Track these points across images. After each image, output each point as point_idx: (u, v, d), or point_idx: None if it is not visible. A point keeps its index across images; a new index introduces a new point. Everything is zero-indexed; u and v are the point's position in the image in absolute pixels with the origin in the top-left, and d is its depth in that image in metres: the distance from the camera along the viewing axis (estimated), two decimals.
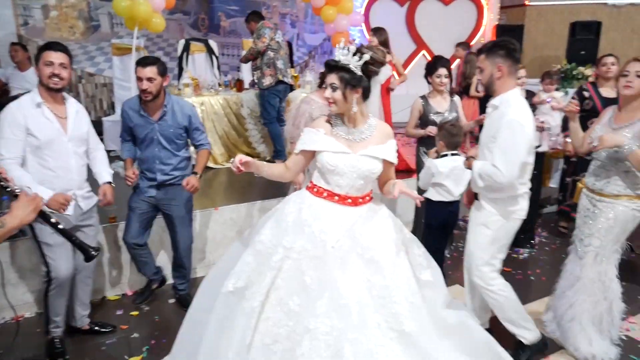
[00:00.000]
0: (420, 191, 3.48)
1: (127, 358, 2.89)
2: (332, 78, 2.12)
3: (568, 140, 4.23)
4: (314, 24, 9.86)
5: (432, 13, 8.58)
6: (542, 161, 4.42)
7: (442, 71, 3.75)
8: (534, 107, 4.31)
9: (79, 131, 2.77)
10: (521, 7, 8.51)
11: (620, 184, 2.66)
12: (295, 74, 6.27)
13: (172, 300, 3.54)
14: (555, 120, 4.40)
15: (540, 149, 4.19)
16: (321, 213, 2.17)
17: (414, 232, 3.55)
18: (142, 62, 2.97)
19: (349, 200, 2.19)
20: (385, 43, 4.95)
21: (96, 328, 3.13)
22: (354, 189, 2.19)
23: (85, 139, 2.83)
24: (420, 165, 3.89)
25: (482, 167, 2.51)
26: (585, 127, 4.23)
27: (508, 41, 2.59)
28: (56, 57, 2.59)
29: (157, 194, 3.19)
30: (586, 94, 4.33)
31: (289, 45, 6.96)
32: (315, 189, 2.24)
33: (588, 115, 4.27)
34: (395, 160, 2.26)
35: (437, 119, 3.77)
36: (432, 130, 3.73)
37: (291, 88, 5.56)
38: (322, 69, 3.47)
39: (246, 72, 6.38)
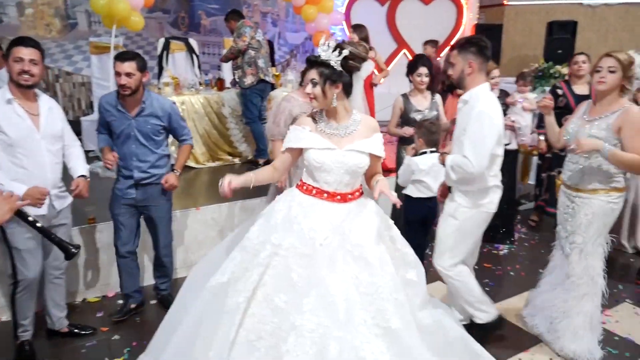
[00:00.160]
0: (399, 188, 3.52)
1: None
2: (312, 74, 2.13)
3: (541, 138, 4.36)
4: (295, 23, 9.84)
5: (412, 12, 8.65)
6: (515, 158, 4.52)
7: (423, 70, 3.80)
8: (507, 106, 4.41)
9: (53, 128, 2.71)
10: (500, 6, 8.63)
11: (595, 178, 2.70)
12: (277, 73, 6.25)
13: (153, 301, 3.51)
14: (525, 121, 4.53)
15: (509, 147, 4.30)
16: (310, 211, 2.17)
17: None
18: (120, 57, 2.92)
19: (338, 197, 2.20)
20: (365, 40, 4.98)
21: (75, 330, 3.08)
22: (342, 184, 2.20)
23: (59, 136, 2.77)
24: (400, 163, 3.93)
25: (453, 159, 2.60)
26: (560, 124, 4.38)
27: (480, 39, 2.68)
28: (26, 53, 2.52)
29: (136, 195, 3.12)
30: (559, 91, 4.45)
31: (270, 44, 6.94)
32: (304, 187, 2.25)
33: (562, 112, 4.39)
34: (382, 154, 2.27)
35: (417, 117, 3.81)
36: (407, 131, 3.78)
37: (272, 87, 5.55)
38: (304, 68, 3.48)
39: (227, 71, 6.33)
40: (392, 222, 2.35)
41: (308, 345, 1.94)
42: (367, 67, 2.10)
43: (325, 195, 2.20)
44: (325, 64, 2.10)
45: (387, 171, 4.94)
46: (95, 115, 5.29)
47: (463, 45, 2.66)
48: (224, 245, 2.37)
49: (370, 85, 5.32)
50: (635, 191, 4.17)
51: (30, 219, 2.29)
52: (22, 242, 2.60)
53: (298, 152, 2.26)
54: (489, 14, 8.92)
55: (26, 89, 2.58)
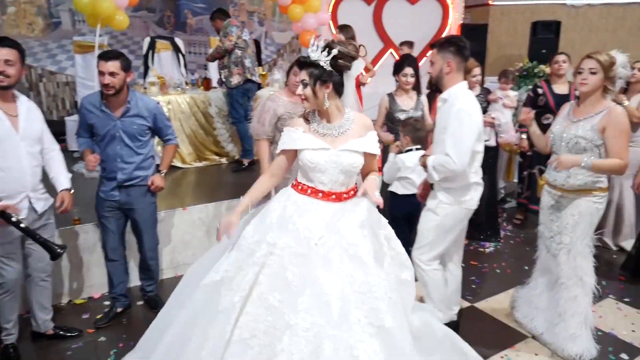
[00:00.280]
0: (385, 185, 3.55)
1: None
2: (303, 75, 2.13)
3: (523, 136, 4.40)
4: (282, 22, 9.82)
5: (398, 12, 8.68)
6: (495, 155, 4.59)
7: (409, 70, 3.82)
8: (488, 103, 4.47)
9: (32, 130, 2.66)
10: (485, 6, 8.70)
11: (581, 178, 2.72)
12: (264, 73, 6.24)
13: (140, 302, 3.48)
14: (505, 118, 4.59)
15: (488, 143, 4.37)
16: (305, 210, 2.17)
17: None
18: (104, 56, 2.88)
19: (333, 196, 2.20)
20: (352, 40, 4.98)
21: (61, 333, 3.04)
22: (337, 184, 2.20)
23: (38, 137, 2.72)
24: (385, 160, 3.95)
25: (435, 159, 2.63)
26: (540, 123, 4.39)
27: (459, 39, 2.72)
28: (2, 53, 2.47)
29: (120, 197, 3.07)
30: (540, 90, 4.53)
31: (257, 43, 6.92)
32: (299, 187, 2.24)
33: (542, 111, 4.50)
34: (376, 152, 2.27)
35: (402, 116, 3.83)
36: (388, 137, 3.84)
37: (259, 86, 5.54)
38: (288, 67, 3.49)
39: (213, 71, 6.31)
40: (386, 220, 2.36)
41: (303, 344, 1.94)
42: (358, 66, 2.10)
43: (320, 194, 2.20)
44: (314, 65, 2.10)
45: None
46: None
47: (442, 44, 2.69)
48: (220, 246, 2.35)
49: (358, 84, 5.34)
50: (619, 191, 4.24)
51: (14, 219, 2.27)
52: (1, 247, 2.56)
53: (293, 154, 2.25)
54: (474, 14, 8.99)
55: (3, 90, 2.53)
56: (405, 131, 3.38)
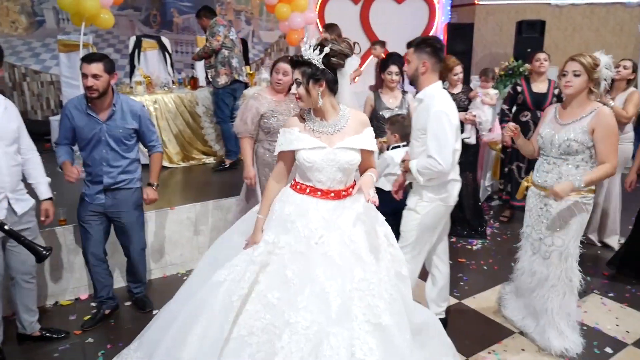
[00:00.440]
0: None
1: None
2: (296, 74, 2.13)
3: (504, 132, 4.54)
4: (269, 21, 9.80)
5: (385, 11, 8.72)
6: (476, 153, 4.66)
7: (394, 68, 3.84)
8: (469, 101, 4.53)
9: (8, 129, 2.62)
10: (471, 6, 8.78)
11: (572, 179, 2.69)
12: (251, 72, 6.22)
13: (128, 303, 3.46)
14: (486, 115, 4.67)
15: (468, 141, 4.47)
16: (304, 209, 2.17)
17: None
18: (87, 59, 2.84)
19: (332, 194, 2.20)
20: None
21: (48, 334, 3.01)
22: (335, 182, 2.20)
23: (16, 137, 2.67)
24: None
25: (419, 163, 2.65)
26: (517, 120, 4.54)
27: (435, 40, 2.74)
28: None
29: (105, 201, 3.03)
30: (519, 88, 4.60)
31: (244, 42, 6.90)
32: (298, 186, 2.25)
33: (520, 108, 4.61)
34: (373, 148, 2.26)
35: (386, 114, 3.86)
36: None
37: (246, 86, 5.51)
38: (272, 64, 3.50)
39: (201, 70, 6.26)
40: (383, 218, 2.37)
41: (303, 342, 1.95)
42: (353, 63, 2.10)
43: (319, 193, 2.20)
44: (307, 63, 2.09)
45: None
46: None
47: (419, 44, 2.70)
48: (227, 243, 2.39)
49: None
50: (606, 188, 4.30)
51: None
52: None
53: (292, 154, 2.24)
54: (460, 13, 9.07)
55: None
56: (394, 129, 3.41)
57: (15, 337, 2.97)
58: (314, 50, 2.08)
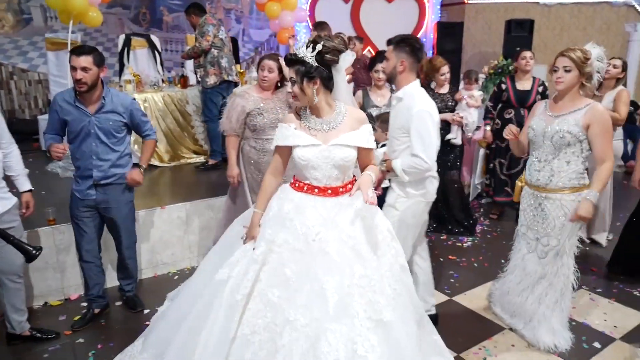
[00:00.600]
0: None
1: None
2: (290, 72, 2.14)
3: (487, 128, 4.69)
4: (259, 20, 9.77)
5: (375, 10, 8.75)
6: (461, 152, 4.73)
7: (381, 66, 3.85)
8: (456, 102, 4.57)
9: None
10: (461, 4, 8.82)
11: (565, 176, 2.72)
12: (242, 70, 6.20)
13: (118, 303, 3.43)
14: (472, 117, 4.72)
15: (455, 141, 4.53)
16: (302, 207, 2.18)
17: None
18: (76, 51, 2.81)
19: (330, 191, 2.21)
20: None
21: (38, 334, 2.98)
22: (331, 179, 2.20)
23: None
24: None
25: (403, 162, 2.66)
26: (501, 117, 4.66)
27: (415, 40, 2.73)
28: None
29: (96, 196, 3.01)
30: (503, 86, 4.66)
31: (234, 41, 6.87)
32: (296, 184, 2.26)
33: (504, 105, 4.69)
34: (369, 145, 2.24)
35: (374, 112, 3.87)
36: None
37: (236, 85, 5.48)
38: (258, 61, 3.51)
39: (191, 68, 6.23)
40: (382, 213, 2.38)
41: (302, 340, 1.96)
42: (347, 59, 2.10)
43: (316, 190, 2.20)
44: (300, 61, 2.09)
45: None
46: None
47: (398, 42, 2.71)
48: (230, 240, 2.40)
49: None
50: None
51: None
52: None
53: (288, 149, 2.25)
54: (450, 12, 9.11)
55: None
56: (384, 127, 3.41)
57: (5, 337, 2.94)
58: (307, 48, 2.08)
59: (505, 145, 4.70)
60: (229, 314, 2.06)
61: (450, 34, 8.15)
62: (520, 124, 4.59)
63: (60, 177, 4.65)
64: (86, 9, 4.94)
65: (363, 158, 2.28)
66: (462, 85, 4.96)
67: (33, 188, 2.90)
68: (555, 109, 2.77)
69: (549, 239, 2.82)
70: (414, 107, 2.62)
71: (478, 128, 4.99)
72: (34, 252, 2.29)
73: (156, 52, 6.27)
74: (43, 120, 5.79)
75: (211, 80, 5.09)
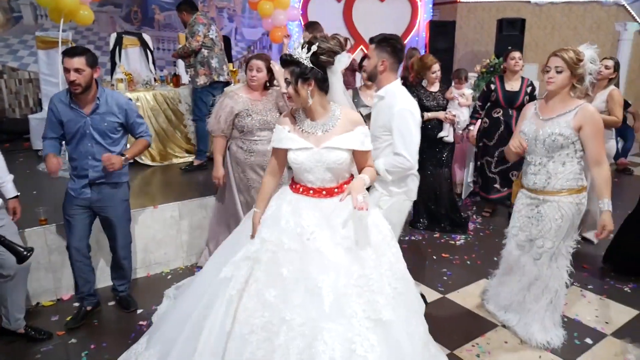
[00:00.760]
0: None
1: None
2: (286, 73, 2.14)
3: (471, 127, 4.77)
4: (252, 19, 9.75)
5: (368, 9, 8.76)
6: (452, 151, 4.77)
7: None
8: (447, 101, 4.59)
9: None
10: (453, 3, 8.85)
11: (562, 177, 2.71)
12: (234, 69, 6.18)
13: (111, 303, 3.42)
14: (464, 116, 4.78)
15: (447, 139, 4.58)
16: (298, 207, 2.20)
17: None
18: (69, 53, 2.80)
19: (324, 192, 2.22)
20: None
21: (32, 333, 2.97)
22: (325, 181, 2.21)
23: None
24: None
25: (386, 162, 2.66)
26: (489, 116, 4.72)
27: (397, 40, 2.73)
28: None
29: (91, 195, 3.01)
30: (492, 86, 4.70)
31: (227, 39, 6.84)
32: (293, 186, 2.28)
33: (492, 105, 4.74)
34: (363, 147, 2.22)
35: (364, 112, 3.88)
36: None
37: (227, 84, 5.44)
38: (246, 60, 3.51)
39: (183, 67, 6.20)
40: (379, 212, 2.39)
41: (298, 339, 1.97)
42: (343, 60, 2.09)
43: (311, 192, 2.22)
44: (295, 62, 2.09)
45: None
46: (44, 114, 5.08)
47: (380, 41, 2.71)
48: (231, 239, 2.45)
49: None
50: (588, 183, 4.36)
51: None
52: None
53: (284, 151, 2.25)
54: (443, 11, 9.14)
55: None
56: None
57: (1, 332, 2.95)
58: (302, 49, 2.08)
59: (493, 143, 4.74)
60: (224, 309, 2.08)
61: (443, 33, 8.17)
62: (508, 124, 4.64)
63: (51, 177, 4.60)
64: (77, 7, 4.90)
65: (359, 159, 2.28)
66: (452, 84, 4.97)
67: (19, 193, 2.91)
68: (545, 110, 2.75)
69: (544, 240, 2.82)
70: (395, 105, 2.63)
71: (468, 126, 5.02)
72: (24, 253, 2.28)
73: (148, 51, 6.23)
74: (34, 119, 5.74)
75: (201, 80, 5.05)
